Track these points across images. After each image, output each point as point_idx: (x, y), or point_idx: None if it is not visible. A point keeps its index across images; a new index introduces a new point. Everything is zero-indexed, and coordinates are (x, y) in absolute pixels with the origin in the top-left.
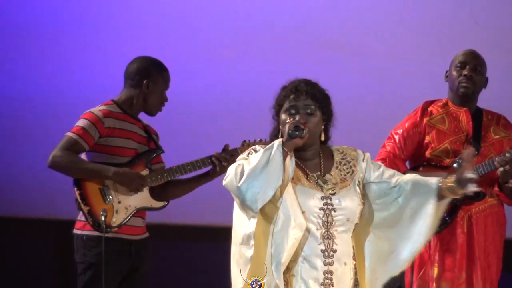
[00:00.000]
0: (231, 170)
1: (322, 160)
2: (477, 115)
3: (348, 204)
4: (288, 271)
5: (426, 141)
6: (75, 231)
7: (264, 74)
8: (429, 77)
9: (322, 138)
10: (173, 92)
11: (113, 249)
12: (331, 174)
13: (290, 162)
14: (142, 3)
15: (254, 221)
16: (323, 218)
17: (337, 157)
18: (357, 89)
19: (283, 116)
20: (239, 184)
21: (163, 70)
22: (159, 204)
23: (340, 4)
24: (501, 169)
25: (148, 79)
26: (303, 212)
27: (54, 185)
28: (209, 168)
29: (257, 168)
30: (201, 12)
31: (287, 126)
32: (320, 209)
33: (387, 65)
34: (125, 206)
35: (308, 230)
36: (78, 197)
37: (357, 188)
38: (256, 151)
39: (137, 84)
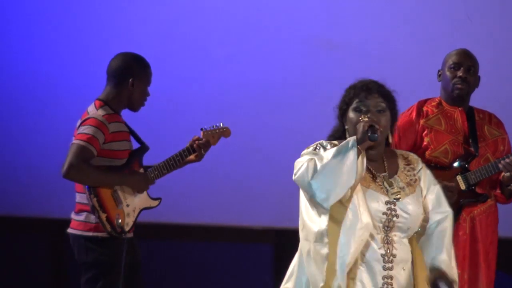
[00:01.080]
0: (301, 164)
1: (385, 162)
2: (470, 114)
3: (412, 211)
4: (347, 274)
5: (425, 142)
6: (80, 232)
7: (256, 73)
8: (423, 75)
9: (390, 140)
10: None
11: (122, 249)
12: (398, 177)
13: (362, 162)
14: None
15: (325, 218)
16: (385, 223)
17: (401, 161)
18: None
19: (351, 115)
20: (311, 180)
21: (146, 66)
22: (156, 202)
23: (336, 4)
24: (508, 174)
25: (133, 77)
26: None
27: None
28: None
29: (330, 165)
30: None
31: (361, 124)
32: (383, 214)
33: (382, 64)
34: (133, 209)
35: (370, 233)
36: (96, 205)
37: (421, 196)
38: (323, 146)
39: (122, 82)
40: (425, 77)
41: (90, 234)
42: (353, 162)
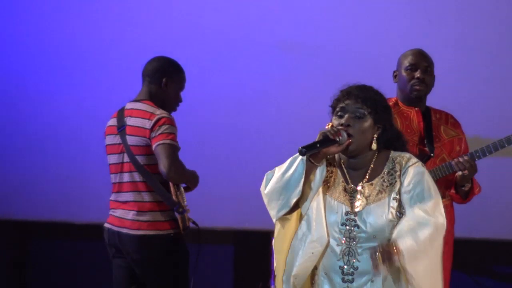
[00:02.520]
0: (266, 175)
1: (370, 170)
2: (427, 114)
3: (373, 221)
4: (312, 285)
5: None
6: (159, 232)
7: (216, 74)
8: (382, 76)
9: (374, 147)
10: None
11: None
12: (371, 184)
13: (319, 171)
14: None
15: (277, 232)
16: (345, 234)
17: (388, 166)
18: (310, 90)
19: (333, 119)
20: (265, 191)
21: (180, 71)
22: None
23: (294, 5)
24: (460, 173)
25: (166, 77)
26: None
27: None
28: None
29: (280, 177)
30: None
31: (321, 131)
32: (342, 224)
33: (342, 65)
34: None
35: (328, 245)
36: (182, 202)
37: (394, 202)
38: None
39: (156, 81)
40: (384, 78)
41: (164, 232)
42: (299, 175)
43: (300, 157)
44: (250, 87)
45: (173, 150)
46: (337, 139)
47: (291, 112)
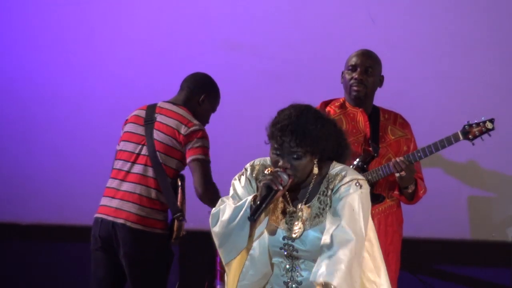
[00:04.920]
0: (216, 206)
1: (310, 189)
2: (374, 114)
3: (311, 246)
4: None
5: None
6: (155, 230)
7: (162, 73)
8: (327, 77)
9: (315, 171)
10: None
11: None
12: (308, 207)
13: (264, 220)
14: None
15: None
16: (286, 255)
17: (323, 185)
18: (255, 90)
19: (271, 153)
20: (212, 228)
21: (218, 95)
22: None
23: (239, 5)
24: (397, 175)
25: (206, 94)
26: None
27: None
28: None
29: (225, 225)
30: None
31: (263, 180)
32: (281, 248)
33: (285, 66)
34: None
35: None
36: (184, 209)
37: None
38: (245, 173)
39: (195, 94)
40: (329, 78)
41: (161, 231)
42: (245, 230)
43: (244, 210)
44: None
45: (207, 167)
46: (281, 186)
47: (233, 112)
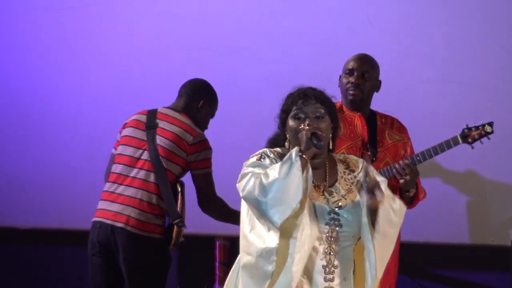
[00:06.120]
0: (247, 180)
1: (327, 170)
2: (371, 119)
3: (353, 219)
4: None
5: None
6: (154, 235)
7: (161, 77)
8: (326, 81)
9: (330, 146)
10: None
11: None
12: (339, 184)
13: (306, 176)
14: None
15: (275, 236)
16: (328, 234)
17: (340, 166)
18: (252, 94)
19: (291, 123)
20: (260, 198)
21: (216, 100)
22: None
23: (236, 9)
24: (402, 180)
25: (205, 100)
26: None
27: None
28: None
29: (277, 181)
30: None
31: (303, 133)
32: (326, 224)
33: (284, 70)
34: None
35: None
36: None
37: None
38: (268, 156)
39: (194, 100)
40: (328, 82)
41: (160, 237)
42: (298, 176)
43: (294, 158)
44: None
45: (212, 181)
46: (324, 134)
47: (232, 116)
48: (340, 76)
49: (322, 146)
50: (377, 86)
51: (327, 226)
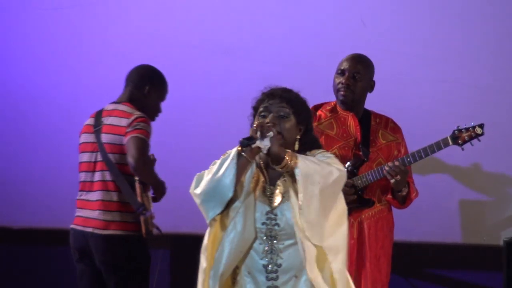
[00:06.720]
0: (196, 176)
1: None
2: (365, 118)
3: (291, 217)
4: (234, 284)
5: None
6: (125, 232)
7: None
8: (318, 81)
9: (296, 148)
10: None
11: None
12: (284, 182)
13: (250, 170)
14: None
15: (209, 231)
16: (266, 233)
17: None
18: (246, 94)
19: (255, 120)
20: (195, 191)
21: (164, 82)
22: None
23: (230, 9)
24: (393, 180)
25: (150, 85)
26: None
27: None
28: None
29: (212, 177)
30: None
31: (250, 129)
32: (263, 224)
33: (277, 69)
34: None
35: (253, 243)
36: (146, 204)
37: None
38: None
39: (139, 87)
40: (322, 81)
41: (130, 233)
42: (232, 177)
43: (232, 156)
44: (188, 90)
45: (144, 144)
46: (271, 132)
47: (226, 116)
48: (334, 76)
49: (245, 144)
50: (370, 86)
51: (264, 226)
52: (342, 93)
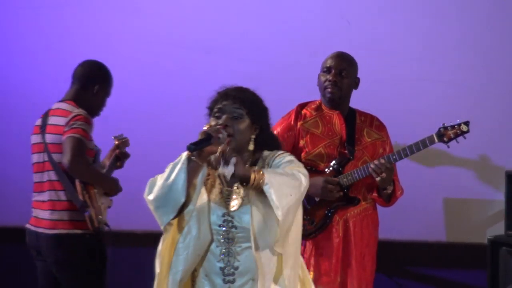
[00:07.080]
0: (149, 181)
1: None
2: (350, 117)
3: (248, 220)
4: (193, 287)
5: (300, 145)
6: (74, 231)
7: (133, 76)
8: (302, 80)
9: (251, 148)
10: None
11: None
12: (244, 185)
13: (201, 173)
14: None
15: (164, 236)
16: (223, 235)
17: (259, 165)
18: None
19: (211, 121)
20: (148, 197)
21: (110, 78)
22: (111, 201)
23: (214, 9)
24: (378, 178)
25: (99, 84)
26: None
27: None
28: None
29: (164, 183)
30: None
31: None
32: (219, 226)
33: (260, 68)
34: (104, 207)
35: (210, 246)
36: (88, 201)
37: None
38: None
39: (87, 87)
40: (305, 80)
41: (79, 232)
42: (183, 182)
43: (182, 161)
44: (174, 89)
45: (79, 144)
46: (219, 137)
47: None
48: (319, 75)
49: (195, 149)
50: (355, 83)
51: (222, 228)
52: (329, 90)
